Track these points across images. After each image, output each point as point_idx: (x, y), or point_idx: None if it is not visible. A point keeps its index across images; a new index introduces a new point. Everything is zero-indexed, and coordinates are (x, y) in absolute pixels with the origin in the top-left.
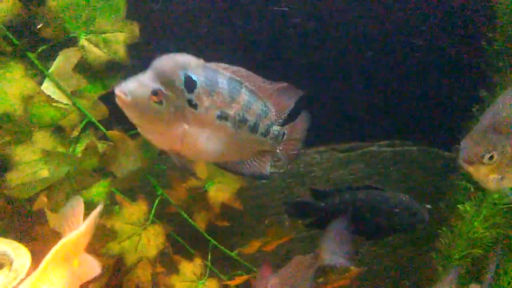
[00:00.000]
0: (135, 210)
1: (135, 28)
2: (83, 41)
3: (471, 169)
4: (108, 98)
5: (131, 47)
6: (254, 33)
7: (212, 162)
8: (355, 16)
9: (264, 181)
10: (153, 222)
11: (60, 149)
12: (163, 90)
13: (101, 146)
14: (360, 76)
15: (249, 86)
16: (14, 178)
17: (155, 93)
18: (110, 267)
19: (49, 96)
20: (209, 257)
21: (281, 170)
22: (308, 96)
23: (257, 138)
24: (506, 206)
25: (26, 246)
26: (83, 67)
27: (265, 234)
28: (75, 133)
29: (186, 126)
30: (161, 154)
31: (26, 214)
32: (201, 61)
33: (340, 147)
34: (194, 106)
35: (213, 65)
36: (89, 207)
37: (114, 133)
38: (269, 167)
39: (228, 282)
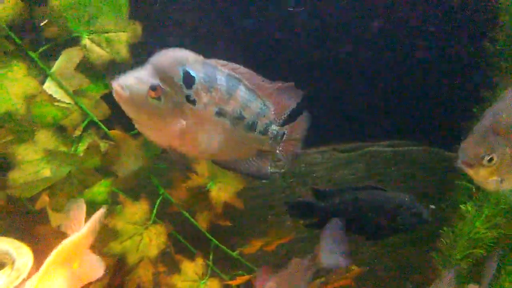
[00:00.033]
0: (137, 210)
1: (138, 27)
2: (85, 41)
3: (470, 171)
4: (110, 98)
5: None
6: (255, 32)
7: (209, 159)
8: (356, 16)
9: (264, 181)
10: (154, 222)
11: (62, 149)
12: (161, 85)
13: (103, 146)
14: (361, 76)
15: (248, 84)
16: (16, 177)
17: (153, 88)
18: (111, 266)
19: (51, 95)
20: (211, 256)
21: (282, 170)
22: (309, 96)
23: (255, 136)
24: (508, 206)
25: (28, 245)
26: (85, 67)
27: (266, 234)
28: (77, 133)
29: (183, 122)
30: (162, 153)
31: (28, 213)
32: (200, 57)
33: (341, 147)
34: (192, 102)
35: (211, 61)
36: (91, 206)
37: (116, 133)
38: (269, 167)
39: (230, 282)
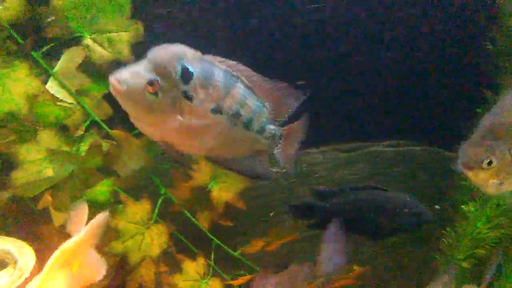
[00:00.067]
0: (139, 209)
1: (140, 27)
2: (87, 41)
3: (470, 174)
4: (112, 98)
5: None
6: (256, 30)
7: (205, 156)
8: (357, 16)
9: (264, 182)
10: (156, 221)
11: (65, 148)
12: (159, 80)
13: (105, 145)
14: (363, 76)
15: (246, 81)
16: (19, 177)
17: (150, 83)
18: (113, 266)
19: (53, 95)
20: (212, 256)
21: (284, 170)
22: (311, 95)
23: (251, 135)
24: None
25: (30, 245)
26: (88, 67)
27: (267, 234)
28: (79, 132)
29: (180, 118)
30: (164, 153)
31: (30, 213)
32: (198, 53)
33: (343, 147)
34: (190, 98)
35: (209, 57)
36: (93, 206)
37: (118, 132)
38: (268, 168)
39: (231, 282)
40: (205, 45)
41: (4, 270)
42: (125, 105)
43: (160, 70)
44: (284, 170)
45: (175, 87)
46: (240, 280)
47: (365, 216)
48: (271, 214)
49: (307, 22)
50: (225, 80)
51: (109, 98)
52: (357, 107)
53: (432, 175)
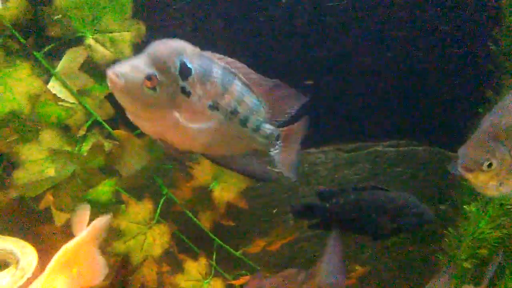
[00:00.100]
0: (141, 209)
1: (142, 27)
2: (89, 40)
3: (469, 176)
4: (114, 98)
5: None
6: (258, 30)
7: (201, 152)
8: (359, 15)
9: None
10: (158, 221)
11: (66, 148)
12: (157, 75)
13: (107, 145)
14: (365, 76)
15: (243, 79)
16: (20, 176)
17: (149, 78)
18: (115, 266)
19: (55, 95)
20: (214, 256)
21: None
22: (313, 95)
23: (247, 132)
24: None
25: (32, 245)
26: (90, 66)
27: (269, 234)
28: (81, 132)
29: (177, 114)
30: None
31: (32, 213)
32: (197, 49)
33: (345, 147)
34: (187, 94)
35: (208, 53)
36: (95, 206)
37: (120, 132)
38: (265, 168)
39: (233, 282)
40: (205, 43)
41: (6, 270)
42: (123, 100)
43: (159, 65)
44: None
45: (173, 82)
46: (242, 280)
47: (367, 216)
48: (274, 211)
49: (309, 21)
50: (223, 77)
51: (111, 98)
52: (359, 107)
53: (433, 175)
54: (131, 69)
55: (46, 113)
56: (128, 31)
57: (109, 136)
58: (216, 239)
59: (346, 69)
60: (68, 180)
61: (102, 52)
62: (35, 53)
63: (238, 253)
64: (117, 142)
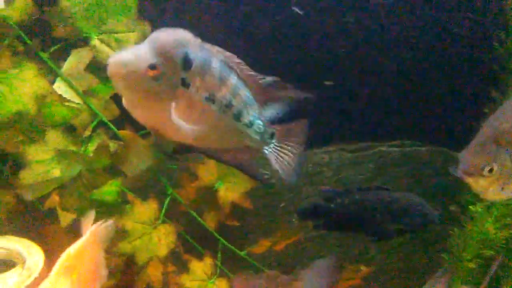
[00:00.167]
0: (146, 209)
1: (147, 27)
2: (95, 41)
3: (470, 180)
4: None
5: None
6: (264, 28)
7: (194, 145)
8: (361, 15)
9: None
10: (163, 221)
11: (72, 149)
12: (160, 65)
13: (112, 146)
14: (369, 76)
15: (239, 73)
16: (26, 177)
17: (152, 67)
18: (120, 266)
19: (61, 95)
20: (219, 256)
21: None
22: (317, 96)
23: (239, 127)
24: None
25: (38, 245)
26: (95, 67)
27: (274, 234)
28: (87, 133)
29: (173, 105)
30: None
31: (37, 213)
32: (198, 40)
33: (349, 147)
34: (187, 86)
35: (208, 45)
36: (101, 206)
37: (125, 133)
38: (256, 167)
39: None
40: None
41: (13, 269)
42: (122, 88)
43: (163, 54)
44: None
45: (175, 73)
46: None
47: (371, 217)
48: (282, 205)
49: (314, 21)
50: (221, 70)
51: (116, 98)
52: (363, 107)
53: (438, 175)
54: (135, 57)
55: (52, 113)
56: (133, 32)
57: (114, 137)
58: (221, 239)
59: (350, 69)
60: (73, 180)
61: (107, 52)
62: (41, 54)
63: (243, 253)
64: (122, 143)
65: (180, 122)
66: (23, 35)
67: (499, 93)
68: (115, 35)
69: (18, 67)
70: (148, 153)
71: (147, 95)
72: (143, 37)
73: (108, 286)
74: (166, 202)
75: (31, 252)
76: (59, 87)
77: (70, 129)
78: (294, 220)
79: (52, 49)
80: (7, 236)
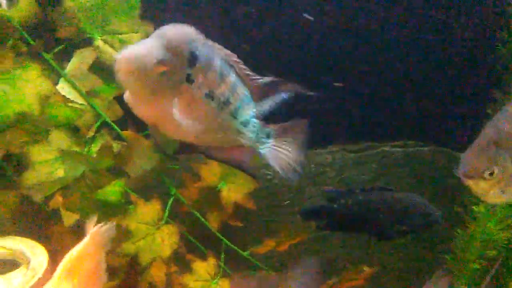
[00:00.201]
0: (149, 210)
1: (150, 28)
2: (98, 42)
3: (470, 182)
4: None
5: None
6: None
7: (191, 142)
8: (363, 15)
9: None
10: (167, 222)
11: (76, 149)
12: (169, 61)
13: (115, 146)
14: (372, 76)
15: (238, 72)
16: (30, 177)
17: (162, 63)
18: (124, 266)
19: (64, 96)
20: (222, 256)
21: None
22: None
23: (235, 125)
24: None
25: (42, 245)
26: (98, 68)
27: (278, 234)
28: (90, 134)
29: (176, 101)
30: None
31: (41, 213)
32: (202, 36)
33: (352, 147)
34: (190, 82)
35: (210, 42)
36: (104, 206)
37: (128, 133)
38: (250, 165)
39: None
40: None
41: (17, 270)
42: (131, 83)
43: (172, 50)
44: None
45: (181, 69)
46: None
47: (374, 217)
48: (286, 203)
49: (318, 21)
50: (222, 67)
51: (119, 99)
52: (368, 108)
53: (441, 175)
54: (145, 53)
55: (56, 114)
56: (136, 32)
57: (117, 137)
58: (224, 239)
59: (354, 69)
60: (77, 181)
61: (110, 53)
62: (44, 55)
63: (246, 253)
64: (126, 143)
65: (182, 118)
66: (26, 35)
67: (502, 94)
68: (119, 35)
69: (22, 68)
70: (151, 154)
71: (153, 91)
72: (146, 37)
73: (111, 287)
74: (169, 202)
75: (35, 253)
76: (63, 87)
77: (73, 130)
78: (297, 220)
79: (55, 49)
80: (11, 236)
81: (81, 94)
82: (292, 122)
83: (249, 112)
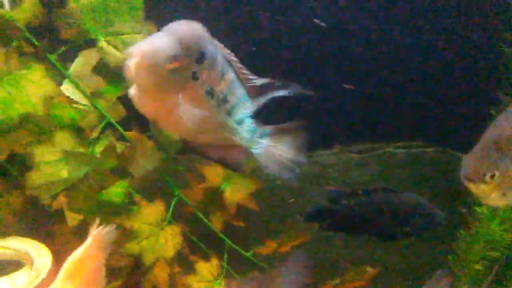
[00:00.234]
0: (153, 210)
1: (153, 29)
2: (102, 43)
3: (471, 185)
4: (126, 99)
5: None
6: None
7: (189, 139)
8: (366, 15)
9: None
10: (170, 223)
11: (80, 150)
12: (180, 57)
13: (119, 147)
14: (377, 77)
15: (236, 70)
16: (34, 178)
17: (175, 59)
18: (127, 267)
19: (68, 97)
20: (225, 257)
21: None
22: (324, 96)
23: (231, 123)
24: None
25: (45, 245)
26: (102, 69)
27: (280, 235)
28: (94, 134)
29: (180, 97)
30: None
31: (45, 213)
32: (209, 34)
33: (355, 148)
34: (196, 79)
35: (214, 40)
36: (108, 206)
37: (132, 134)
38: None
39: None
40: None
41: (21, 270)
42: (141, 78)
43: (184, 47)
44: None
45: (190, 65)
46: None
47: (377, 218)
48: (291, 200)
49: (323, 22)
50: (223, 65)
51: (122, 100)
52: (371, 108)
53: (444, 176)
54: (159, 47)
55: (60, 115)
56: (139, 33)
57: (121, 138)
58: (227, 240)
59: (358, 70)
60: (81, 181)
61: (114, 54)
62: (48, 56)
63: (248, 254)
64: (129, 144)
65: (189, 116)
66: (30, 36)
67: (505, 94)
68: (122, 36)
69: (26, 69)
70: (155, 154)
71: (162, 86)
72: None
73: (114, 287)
74: (173, 203)
75: (39, 253)
76: (67, 88)
77: (77, 131)
78: (299, 221)
79: (59, 50)
80: (15, 236)
81: (85, 95)
82: (289, 123)
83: (245, 111)
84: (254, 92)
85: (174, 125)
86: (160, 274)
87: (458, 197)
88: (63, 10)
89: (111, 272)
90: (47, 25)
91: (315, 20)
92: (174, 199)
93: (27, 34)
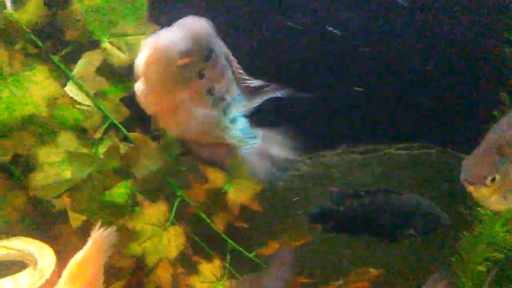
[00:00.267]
0: (155, 211)
1: (157, 29)
2: (105, 44)
3: (471, 188)
4: (129, 100)
5: None
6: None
7: (188, 138)
8: (368, 15)
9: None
10: (173, 223)
11: (83, 151)
12: (192, 53)
13: (122, 148)
14: (379, 78)
15: (234, 69)
16: (38, 179)
17: (187, 54)
18: (130, 267)
19: (72, 98)
20: (228, 258)
21: (299, 172)
22: (324, 97)
23: (225, 122)
24: None
25: (49, 246)
26: (106, 70)
27: (283, 235)
28: (98, 135)
29: (184, 94)
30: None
31: (47, 215)
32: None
33: (358, 149)
34: (201, 76)
35: (218, 38)
36: (111, 207)
37: (135, 135)
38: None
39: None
40: None
41: (25, 270)
42: (152, 71)
43: (195, 43)
44: (299, 172)
45: (198, 62)
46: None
47: (380, 219)
48: (294, 199)
49: (324, 24)
50: (224, 63)
51: (125, 101)
52: (373, 109)
53: (447, 177)
54: (173, 41)
55: (64, 116)
56: (143, 35)
57: (124, 139)
58: (230, 241)
59: (360, 71)
60: (84, 182)
61: (117, 55)
62: (52, 57)
63: (251, 255)
64: (132, 144)
65: (191, 115)
66: (34, 38)
67: (508, 96)
68: (126, 37)
69: (30, 70)
70: (158, 155)
71: (170, 82)
72: None
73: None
74: (176, 204)
75: (43, 254)
76: (71, 89)
77: (81, 131)
78: (302, 222)
79: (63, 52)
80: (19, 237)
81: (88, 96)
82: (280, 128)
83: (239, 110)
84: (248, 93)
85: (176, 124)
86: (163, 274)
87: (460, 198)
88: (66, 11)
89: (114, 273)
90: (50, 26)
91: (329, 28)
92: (177, 200)
93: (31, 35)
